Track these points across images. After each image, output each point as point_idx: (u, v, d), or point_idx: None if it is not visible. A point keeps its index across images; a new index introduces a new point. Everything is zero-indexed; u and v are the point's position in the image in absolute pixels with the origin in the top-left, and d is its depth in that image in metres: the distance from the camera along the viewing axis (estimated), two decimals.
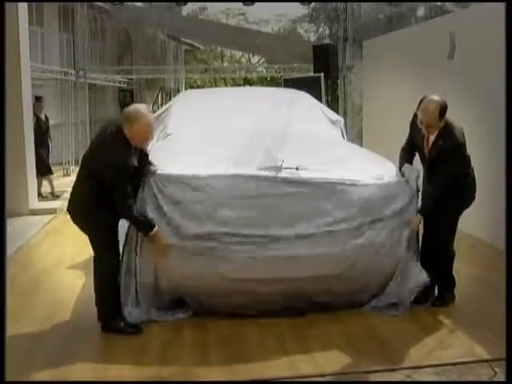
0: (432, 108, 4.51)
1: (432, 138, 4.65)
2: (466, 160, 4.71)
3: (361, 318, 4.56)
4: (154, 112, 5.41)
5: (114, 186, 4.18)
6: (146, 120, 4.24)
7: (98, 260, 4.37)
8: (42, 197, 9.91)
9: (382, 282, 4.64)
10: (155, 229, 4.28)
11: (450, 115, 4.63)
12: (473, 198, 4.81)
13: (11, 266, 5.70)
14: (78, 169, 4.60)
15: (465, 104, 6.95)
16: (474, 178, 4.81)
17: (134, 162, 4.24)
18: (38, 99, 10.46)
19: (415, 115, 4.73)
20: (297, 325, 4.41)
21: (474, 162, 4.75)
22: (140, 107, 4.34)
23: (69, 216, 4.43)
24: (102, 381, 3.72)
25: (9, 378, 3.46)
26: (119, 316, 4.39)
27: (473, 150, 4.59)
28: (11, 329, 4.05)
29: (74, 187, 4.43)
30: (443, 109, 4.52)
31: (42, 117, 10.44)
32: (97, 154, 4.31)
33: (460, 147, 4.58)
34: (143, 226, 4.32)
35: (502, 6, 5.18)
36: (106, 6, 16.36)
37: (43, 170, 9.92)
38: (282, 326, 4.40)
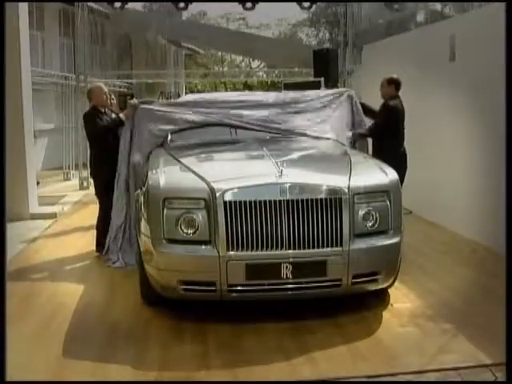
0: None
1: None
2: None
3: (362, 323, 4.55)
4: None
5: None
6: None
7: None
8: None
9: None
10: (121, 115, 6.19)
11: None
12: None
13: (11, 270, 5.69)
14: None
15: (465, 107, 6.95)
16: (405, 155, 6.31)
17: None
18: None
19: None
20: (298, 330, 4.40)
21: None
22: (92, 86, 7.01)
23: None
24: (102, 381, 3.72)
25: (9, 377, 3.46)
26: None
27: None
28: (12, 330, 4.04)
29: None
30: (387, 79, 6.70)
31: None
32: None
33: (384, 105, 6.55)
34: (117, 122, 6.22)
35: (501, 10, 5.18)
36: (107, 10, 16.35)
37: None
38: (282, 331, 4.39)
